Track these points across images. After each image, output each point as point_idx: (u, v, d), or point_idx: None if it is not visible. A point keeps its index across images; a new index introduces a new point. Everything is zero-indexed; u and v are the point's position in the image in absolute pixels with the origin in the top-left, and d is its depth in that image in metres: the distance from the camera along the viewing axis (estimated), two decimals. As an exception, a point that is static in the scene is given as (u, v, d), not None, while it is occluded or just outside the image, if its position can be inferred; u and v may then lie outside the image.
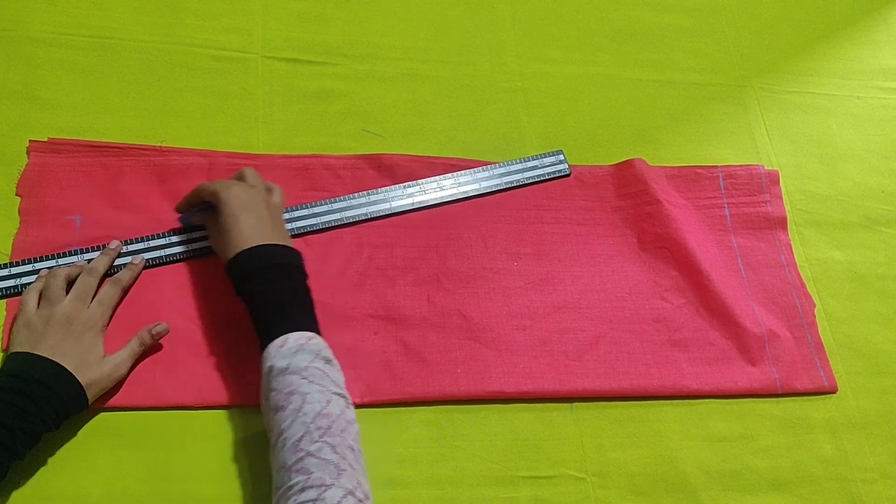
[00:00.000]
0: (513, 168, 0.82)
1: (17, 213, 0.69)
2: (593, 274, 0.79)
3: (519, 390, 0.71)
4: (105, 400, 0.63)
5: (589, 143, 0.87)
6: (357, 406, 0.67)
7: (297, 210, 0.75)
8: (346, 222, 0.75)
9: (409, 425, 0.68)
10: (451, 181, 0.80)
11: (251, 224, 0.64)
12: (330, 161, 0.78)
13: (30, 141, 0.72)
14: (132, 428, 0.63)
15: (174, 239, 0.71)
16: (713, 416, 0.74)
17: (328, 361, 0.59)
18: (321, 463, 0.53)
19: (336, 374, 0.59)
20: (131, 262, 0.68)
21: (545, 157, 0.83)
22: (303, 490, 0.52)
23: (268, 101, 0.81)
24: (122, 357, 0.63)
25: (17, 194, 0.70)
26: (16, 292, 0.66)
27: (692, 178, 0.86)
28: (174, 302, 0.68)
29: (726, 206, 0.86)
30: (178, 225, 0.72)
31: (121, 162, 0.73)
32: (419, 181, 0.79)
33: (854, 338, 0.82)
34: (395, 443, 0.67)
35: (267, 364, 0.58)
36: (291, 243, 0.67)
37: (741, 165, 0.88)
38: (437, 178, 0.80)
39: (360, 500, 0.53)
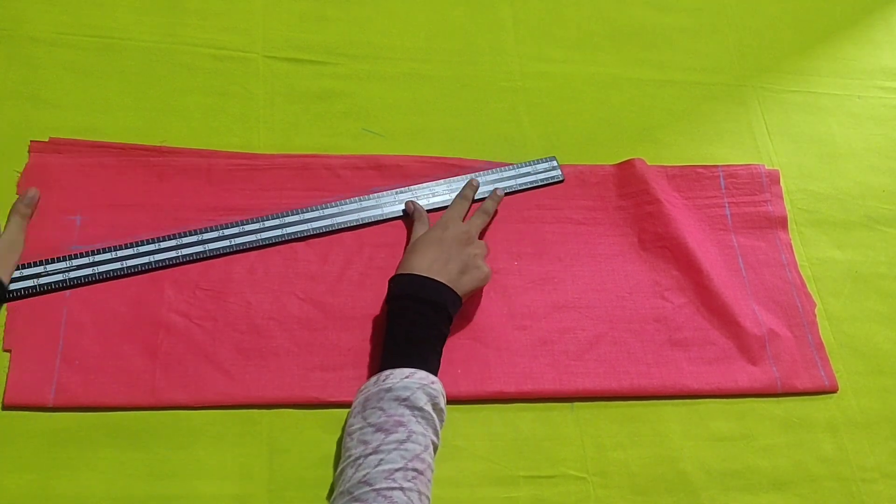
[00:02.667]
0: (505, 175, 0.81)
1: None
2: (594, 273, 0.79)
3: (519, 390, 0.71)
4: (105, 400, 0.63)
5: (589, 143, 0.87)
6: (357, 406, 0.68)
7: (287, 216, 0.74)
8: (336, 228, 0.75)
9: (410, 425, 0.68)
10: (444, 187, 0.79)
11: (443, 260, 0.68)
12: (330, 161, 0.78)
13: (31, 141, 0.72)
14: (133, 428, 0.63)
15: (184, 241, 0.71)
16: (714, 416, 0.74)
17: (438, 409, 0.62)
18: (408, 503, 0.54)
19: (439, 422, 0.62)
20: (27, 195, 0.69)
21: (538, 163, 0.83)
22: None
23: (268, 101, 0.81)
24: (12, 233, 0.66)
25: (17, 194, 0.70)
26: (15, 293, 0.66)
27: (693, 178, 0.86)
28: (174, 302, 0.68)
29: (727, 205, 0.86)
30: (183, 226, 0.72)
31: (121, 162, 0.73)
32: (411, 187, 0.79)
33: (855, 337, 0.82)
34: (396, 442, 0.67)
35: (387, 384, 0.60)
36: (466, 293, 0.69)
37: (742, 165, 0.88)
38: (429, 184, 0.79)
39: None
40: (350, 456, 0.58)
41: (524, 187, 0.81)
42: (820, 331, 0.81)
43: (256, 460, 0.64)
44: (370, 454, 0.57)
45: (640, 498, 0.69)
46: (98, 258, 0.69)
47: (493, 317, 0.74)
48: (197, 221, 0.73)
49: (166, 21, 0.82)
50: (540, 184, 0.82)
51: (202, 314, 0.69)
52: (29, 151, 0.72)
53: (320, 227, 0.74)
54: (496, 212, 0.79)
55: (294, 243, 0.74)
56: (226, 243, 0.72)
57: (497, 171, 0.81)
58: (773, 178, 0.88)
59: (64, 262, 0.68)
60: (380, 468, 0.55)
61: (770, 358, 0.77)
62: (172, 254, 0.70)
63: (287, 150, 0.78)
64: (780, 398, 0.76)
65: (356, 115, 0.82)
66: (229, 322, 0.69)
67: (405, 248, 0.75)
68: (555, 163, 0.83)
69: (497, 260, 0.77)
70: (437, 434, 0.61)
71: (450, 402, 0.69)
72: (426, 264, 0.68)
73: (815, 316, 0.81)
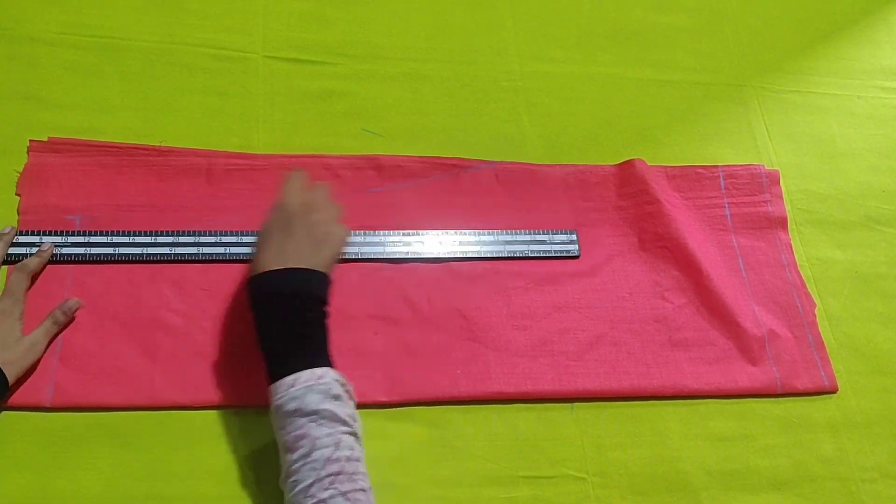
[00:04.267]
0: (519, 238, 0.78)
1: (17, 213, 0.69)
2: (594, 274, 0.79)
3: (519, 390, 0.71)
4: (103, 400, 0.63)
5: (589, 143, 0.87)
6: (357, 406, 0.67)
7: None
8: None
9: (409, 425, 0.68)
10: (453, 238, 0.77)
11: (291, 243, 0.62)
12: (330, 161, 0.78)
13: (30, 140, 0.72)
14: (132, 428, 0.63)
15: (181, 240, 0.71)
16: (714, 416, 0.74)
17: (337, 398, 0.58)
18: None
19: (345, 408, 0.58)
20: (39, 250, 0.67)
21: (556, 233, 0.79)
22: None
23: (268, 101, 0.81)
24: (37, 336, 0.63)
25: (16, 193, 0.70)
26: (9, 259, 0.67)
27: (693, 178, 0.86)
28: (174, 302, 0.68)
29: (727, 205, 0.86)
30: (182, 226, 0.72)
31: (120, 161, 0.73)
32: (419, 231, 0.76)
33: (855, 337, 0.82)
34: (395, 443, 0.67)
35: (275, 402, 0.58)
36: (330, 264, 0.63)
37: (742, 165, 0.88)
38: (439, 231, 0.77)
39: None
40: (283, 480, 0.57)
41: (536, 255, 0.78)
42: (820, 331, 0.80)
43: (256, 461, 0.64)
44: (288, 479, 0.56)
45: (640, 498, 0.69)
46: (93, 239, 0.69)
47: (493, 317, 0.74)
48: (196, 221, 0.73)
49: (166, 21, 0.82)
50: (553, 255, 0.79)
51: (202, 314, 0.68)
52: (28, 151, 0.72)
53: None
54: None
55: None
56: (221, 250, 0.71)
57: (511, 234, 0.78)
58: (773, 178, 0.88)
59: (60, 237, 0.68)
60: (297, 490, 0.54)
61: (770, 358, 0.77)
62: (166, 250, 0.70)
63: (287, 150, 0.78)
64: (780, 398, 0.76)
65: (356, 115, 0.82)
66: (229, 322, 0.69)
67: None
68: (574, 237, 0.80)
69: (497, 260, 0.77)
70: (346, 420, 0.57)
71: (450, 402, 0.70)
72: (275, 254, 0.61)
73: (815, 316, 0.81)
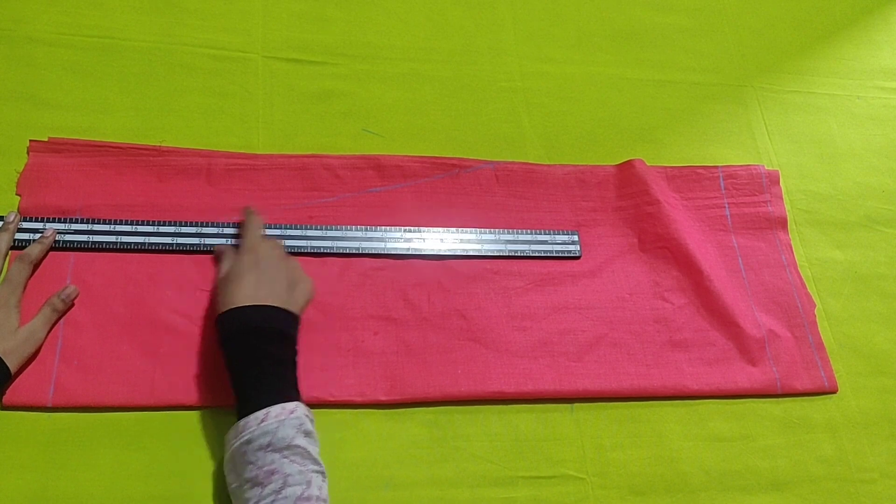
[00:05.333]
0: (521, 238, 0.78)
1: (17, 211, 0.69)
2: (594, 274, 0.79)
3: (519, 391, 0.71)
4: (104, 400, 0.63)
5: (589, 143, 0.87)
6: (357, 406, 0.68)
7: (289, 229, 0.74)
8: (336, 252, 0.74)
9: (409, 425, 0.68)
10: (454, 236, 0.77)
11: (266, 282, 0.63)
12: (329, 161, 0.78)
13: (30, 140, 0.72)
14: (133, 428, 0.63)
15: (182, 230, 0.71)
16: (713, 417, 0.74)
17: (308, 434, 0.58)
18: None
19: (314, 446, 0.59)
20: (42, 236, 0.68)
21: (558, 234, 0.80)
22: None
23: (268, 101, 0.81)
24: (36, 325, 0.63)
25: (16, 193, 0.70)
26: (14, 245, 0.67)
27: (693, 178, 0.86)
28: (175, 301, 0.68)
29: (727, 206, 0.86)
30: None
31: (120, 161, 0.73)
32: (421, 228, 0.77)
33: (854, 338, 0.82)
34: (395, 443, 0.67)
35: (245, 436, 0.57)
36: (301, 309, 0.65)
37: (742, 165, 0.88)
38: (440, 229, 0.77)
39: None
40: None
41: (537, 255, 0.78)
42: (820, 331, 0.81)
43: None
44: None
45: (640, 498, 0.69)
46: (96, 227, 0.69)
47: (493, 317, 0.74)
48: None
49: (166, 21, 0.82)
50: (554, 255, 0.79)
51: (202, 314, 0.68)
52: (28, 151, 0.72)
53: (319, 248, 0.73)
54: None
55: (294, 243, 0.74)
56: (222, 241, 0.72)
57: (512, 233, 0.78)
58: (773, 178, 0.88)
59: (63, 224, 0.68)
60: None
61: (770, 358, 0.77)
62: (168, 240, 0.70)
63: (286, 151, 0.78)
64: (780, 399, 0.76)
65: (356, 115, 0.82)
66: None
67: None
68: (576, 237, 0.80)
69: (497, 260, 0.77)
70: (316, 461, 0.58)
71: (450, 402, 0.70)
72: (250, 291, 0.61)
73: (814, 316, 0.81)
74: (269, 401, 0.58)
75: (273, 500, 0.54)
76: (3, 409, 0.62)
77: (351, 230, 0.75)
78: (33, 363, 0.63)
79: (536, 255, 0.78)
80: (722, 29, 1.00)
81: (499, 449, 0.69)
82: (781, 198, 0.88)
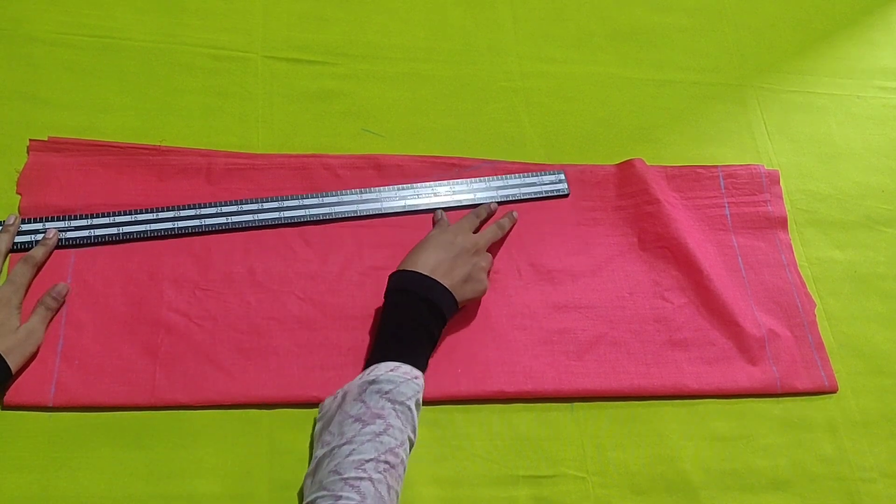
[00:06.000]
0: (510, 182, 0.81)
1: (17, 212, 0.69)
2: (594, 274, 0.79)
3: (519, 390, 0.71)
4: (105, 400, 0.63)
5: (589, 143, 0.87)
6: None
7: (286, 200, 0.75)
8: (334, 217, 0.75)
9: (410, 425, 0.68)
10: (447, 188, 0.79)
11: (448, 264, 0.68)
12: (329, 161, 0.78)
13: (30, 140, 0.72)
14: (133, 427, 0.63)
15: (182, 214, 0.72)
16: (713, 416, 0.74)
17: (418, 405, 0.62)
18: (377, 494, 0.55)
19: (416, 418, 0.61)
20: (44, 238, 0.68)
21: (545, 174, 0.82)
22: None
23: (268, 101, 0.81)
24: (34, 324, 0.64)
25: (17, 193, 0.70)
26: (16, 247, 0.67)
27: (693, 178, 0.86)
28: (174, 302, 0.68)
29: (727, 205, 0.86)
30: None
31: (120, 161, 0.73)
32: (414, 185, 0.79)
33: (854, 337, 0.82)
34: (396, 442, 0.67)
35: (370, 376, 0.60)
36: (466, 297, 0.70)
37: (741, 165, 0.88)
38: (432, 183, 0.79)
39: None
40: (325, 444, 0.58)
41: (528, 197, 0.81)
42: (820, 331, 0.81)
43: (256, 460, 0.64)
44: (343, 444, 0.57)
45: (640, 498, 0.69)
46: (96, 221, 0.70)
47: (493, 317, 0.74)
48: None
49: (166, 21, 0.82)
50: (544, 195, 0.81)
51: (202, 314, 0.69)
52: (28, 151, 0.72)
53: (318, 215, 0.75)
54: (509, 231, 0.78)
55: (293, 242, 0.74)
56: (222, 220, 0.72)
57: (502, 179, 0.81)
58: (773, 178, 0.88)
59: (63, 222, 0.68)
60: (351, 458, 0.56)
61: (770, 358, 0.77)
62: (169, 225, 0.71)
63: (286, 150, 0.78)
64: (780, 398, 0.76)
65: (356, 115, 0.82)
66: (229, 322, 0.69)
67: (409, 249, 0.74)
68: (562, 176, 0.82)
69: (497, 260, 0.77)
70: (414, 431, 0.61)
71: (450, 402, 0.70)
72: (431, 264, 0.68)
73: (814, 316, 0.81)
74: (404, 358, 0.62)
75: (369, 440, 0.56)
76: (3, 409, 0.62)
77: (346, 194, 0.76)
78: (34, 363, 0.63)
79: (527, 197, 0.80)
80: (722, 29, 1.00)
81: (499, 448, 0.69)
82: (781, 197, 0.88)
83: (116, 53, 0.79)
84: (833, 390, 0.78)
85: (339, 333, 0.70)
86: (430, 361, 0.70)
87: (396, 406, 0.59)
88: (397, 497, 0.57)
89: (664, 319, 0.77)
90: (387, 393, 0.59)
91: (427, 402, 0.69)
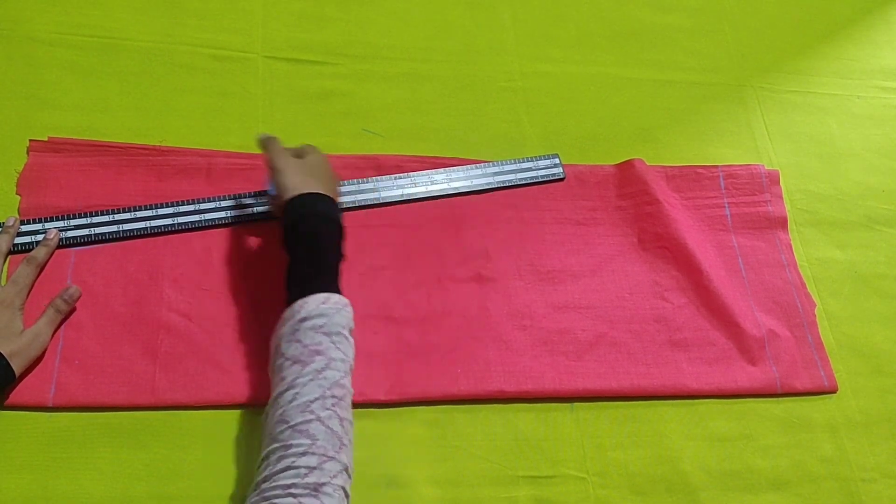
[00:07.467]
0: (506, 168, 0.81)
1: (17, 213, 0.69)
2: (594, 273, 0.79)
3: (519, 390, 0.71)
4: (105, 400, 0.63)
5: (589, 143, 0.87)
6: (357, 406, 0.67)
7: None
8: None
9: (409, 425, 0.68)
10: (443, 176, 0.80)
11: (329, 178, 0.67)
12: (329, 160, 0.78)
13: (30, 140, 0.72)
14: (133, 427, 0.63)
15: (181, 209, 0.72)
16: (713, 416, 0.74)
17: (351, 333, 0.60)
18: (328, 432, 0.53)
19: (353, 349, 0.60)
20: (45, 238, 0.68)
21: (540, 159, 0.83)
22: (304, 454, 0.52)
23: (268, 101, 0.81)
24: (40, 326, 0.63)
25: (16, 193, 0.70)
26: (16, 248, 0.67)
27: (693, 178, 0.86)
28: (174, 302, 0.68)
29: (727, 205, 0.86)
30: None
31: (120, 161, 0.73)
32: (410, 174, 0.79)
33: (854, 337, 0.82)
34: (395, 443, 0.67)
35: (301, 313, 0.58)
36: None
37: (741, 165, 0.88)
38: (428, 171, 0.80)
39: (349, 478, 0.54)
40: (275, 397, 0.56)
41: (524, 182, 0.81)
42: (819, 331, 0.81)
43: (256, 460, 0.64)
44: (286, 390, 0.55)
45: (640, 498, 0.69)
46: (96, 220, 0.70)
47: (493, 316, 0.74)
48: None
49: (166, 21, 0.82)
50: (540, 180, 0.82)
51: (202, 314, 0.68)
52: (28, 151, 0.72)
53: None
54: None
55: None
56: (221, 214, 0.72)
57: (497, 164, 0.82)
58: (773, 178, 0.88)
59: (62, 221, 0.68)
60: (295, 402, 0.54)
61: (770, 358, 0.77)
62: (168, 221, 0.71)
63: (287, 150, 0.78)
64: (780, 398, 0.76)
65: (356, 115, 0.82)
66: (229, 322, 0.69)
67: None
68: (557, 160, 0.83)
69: (497, 260, 0.77)
70: (352, 358, 0.59)
71: (450, 401, 0.70)
72: (314, 182, 0.65)
73: (814, 316, 0.81)
74: (329, 288, 0.60)
75: (312, 379, 0.55)
76: (3, 409, 0.62)
77: (344, 185, 0.76)
78: (34, 363, 0.63)
79: (523, 182, 0.81)
80: (722, 29, 1.00)
81: (499, 448, 0.69)
82: (781, 197, 0.88)
83: (116, 53, 0.79)
84: (833, 390, 0.78)
85: (339, 333, 0.70)
86: (430, 361, 0.70)
87: (334, 337, 0.57)
88: (351, 426, 0.56)
89: (664, 319, 0.77)
90: (321, 327, 0.57)
91: (427, 402, 0.69)
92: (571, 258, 0.79)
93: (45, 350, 0.63)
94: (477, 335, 0.73)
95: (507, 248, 0.78)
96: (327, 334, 0.57)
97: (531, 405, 0.71)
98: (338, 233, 0.64)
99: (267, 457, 0.53)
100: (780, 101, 0.96)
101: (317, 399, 0.54)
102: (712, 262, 0.81)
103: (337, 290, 0.61)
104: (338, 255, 0.64)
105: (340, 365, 0.57)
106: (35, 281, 0.66)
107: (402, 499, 0.65)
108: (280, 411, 0.54)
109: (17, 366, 0.60)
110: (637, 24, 0.97)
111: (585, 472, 0.69)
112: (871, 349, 0.81)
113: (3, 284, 0.65)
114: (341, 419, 0.55)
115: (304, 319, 0.58)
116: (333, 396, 0.55)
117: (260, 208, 0.73)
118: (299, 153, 0.69)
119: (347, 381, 0.57)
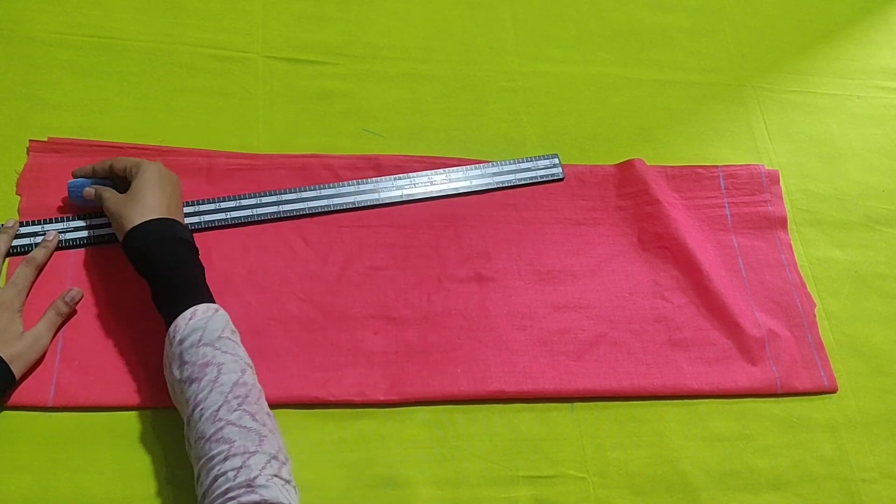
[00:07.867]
0: (506, 168, 0.81)
1: (17, 213, 0.69)
2: (594, 273, 0.79)
3: (519, 390, 0.71)
4: (105, 400, 0.63)
5: (589, 143, 0.87)
6: (357, 406, 0.68)
7: (285, 193, 0.75)
8: (333, 209, 0.75)
9: (409, 425, 0.68)
10: (443, 177, 0.80)
11: (165, 196, 0.65)
12: (329, 161, 0.78)
13: (30, 140, 0.72)
14: (133, 428, 0.63)
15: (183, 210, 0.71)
16: (713, 416, 0.74)
17: (234, 332, 0.60)
18: (242, 431, 0.54)
19: (241, 347, 0.60)
20: (44, 239, 0.68)
21: (539, 159, 0.83)
22: (226, 459, 0.52)
23: (268, 101, 0.81)
24: (41, 329, 0.63)
25: (16, 193, 0.70)
26: (13, 250, 0.67)
27: (693, 178, 0.86)
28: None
29: (727, 205, 0.86)
30: None
31: (121, 162, 0.73)
32: (410, 174, 0.79)
33: (854, 337, 0.82)
34: (395, 443, 0.67)
35: (177, 337, 0.58)
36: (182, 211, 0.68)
37: (741, 165, 0.88)
38: (428, 171, 0.80)
39: (283, 463, 0.54)
40: (187, 423, 0.57)
41: (524, 182, 0.81)
42: (819, 331, 0.81)
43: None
44: (193, 410, 0.55)
45: (640, 498, 0.69)
46: (95, 221, 0.70)
47: (493, 317, 0.74)
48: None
49: (166, 21, 0.82)
50: (540, 180, 0.82)
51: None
52: (28, 151, 0.72)
53: (316, 208, 0.75)
54: None
55: (293, 242, 0.74)
56: (221, 216, 0.72)
57: (497, 164, 0.82)
58: (773, 178, 0.88)
59: (61, 223, 0.68)
60: (204, 416, 0.54)
61: (770, 358, 0.77)
62: None
63: (286, 150, 0.78)
64: (780, 398, 0.76)
65: (356, 115, 0.82)
66: (229, 322, 0.69)
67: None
68: (556, 160, 0.83)
69: (497, 260, 0.77)
70: (245, 356, 0.59)
71: (450, 401, 0.70)
72: (154, 205, 0.63)
73: (814, 316, 0.81)
74: (194, 300, 0.60)
75: (210, 390, 0.55)
76: (4, 409, 0.62)
77: (344, 185, 0.76)
78: (34, 363, 0.63)
79: (523, 182, 0.81)
80: (722, 29, 1.00)
81: (499, 448, 0.69)
82: (781, 197, 0.88)
83: (116, 53, 0.79)
84: (833, 390, 0.78)
85: (339, 334, 0.70)
86: (430, 361, 0.70)
87: (216, 344, 0.57)
88: (269, 416, 0.57)
89: (664, 319, 0.77)
90: (200, 340, 0.57)
91: (427, 402, 0.69)
92: (571, 258, 0.79)
93: (45, 353, 0.63)
94: (477, 335, 0.73)
95: (507, 247, 0.78)
96: (208, 344, 0.57)
97: (531, 405, 0.71)
98: (180, 248, 0.63)
99: (198, 476, 0.54)
100: (780, 101, 0.96)
101: (221, 406, 0.55)
102: (712, 262, 0.81)
103: (203, 300, 0.60)
104: (191, 268, 0.63)
105: (233, 365, 0.57)
106: (34, 282, 0.66)
107: (402, 499, 0.65)
108: (195, 431, 0.55)
109: (17, 369, 0.60)
110: (637, 24, 0.97)
111: (585, 472, 0.69)
112: (871, 349, 0.81)
113: (1, 286, 0.65)
114: (252, 414, 0.55)
115: (181, 341, 0.58)
116: (237, 397, 0.55)
117: (261, 210, 0.73)
118: (131, 172, 0.66)
119: (248, 377, 0.57)
